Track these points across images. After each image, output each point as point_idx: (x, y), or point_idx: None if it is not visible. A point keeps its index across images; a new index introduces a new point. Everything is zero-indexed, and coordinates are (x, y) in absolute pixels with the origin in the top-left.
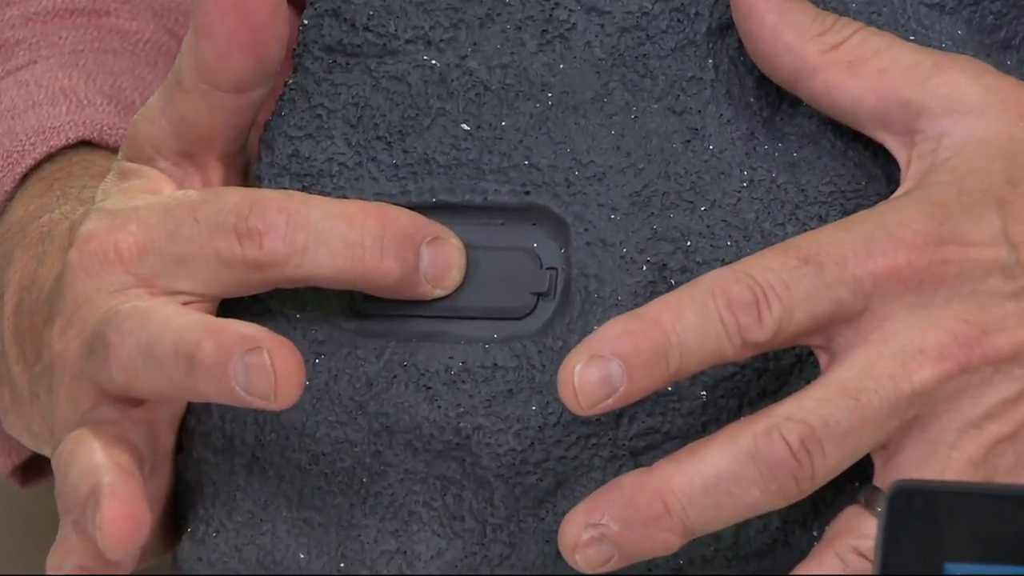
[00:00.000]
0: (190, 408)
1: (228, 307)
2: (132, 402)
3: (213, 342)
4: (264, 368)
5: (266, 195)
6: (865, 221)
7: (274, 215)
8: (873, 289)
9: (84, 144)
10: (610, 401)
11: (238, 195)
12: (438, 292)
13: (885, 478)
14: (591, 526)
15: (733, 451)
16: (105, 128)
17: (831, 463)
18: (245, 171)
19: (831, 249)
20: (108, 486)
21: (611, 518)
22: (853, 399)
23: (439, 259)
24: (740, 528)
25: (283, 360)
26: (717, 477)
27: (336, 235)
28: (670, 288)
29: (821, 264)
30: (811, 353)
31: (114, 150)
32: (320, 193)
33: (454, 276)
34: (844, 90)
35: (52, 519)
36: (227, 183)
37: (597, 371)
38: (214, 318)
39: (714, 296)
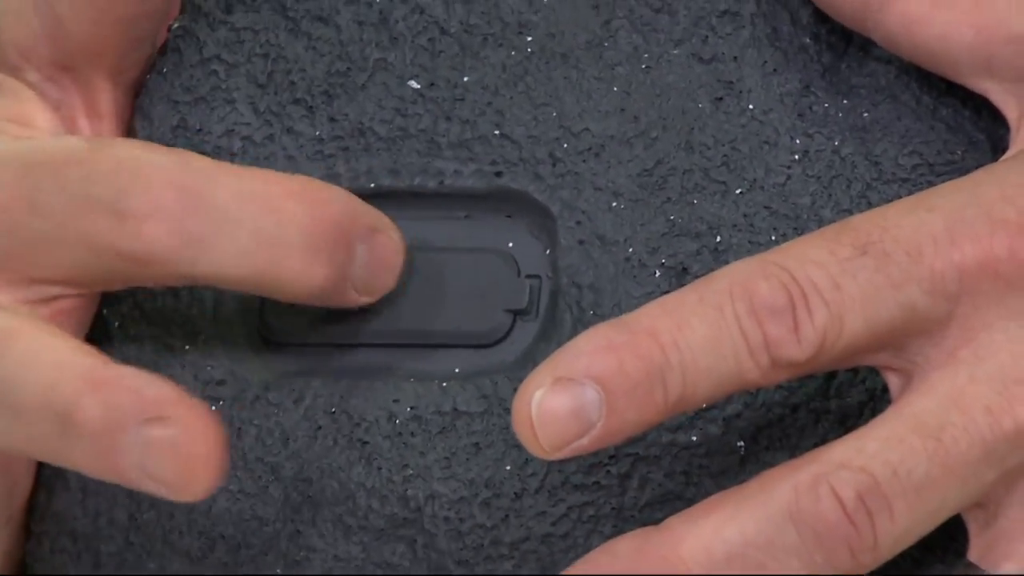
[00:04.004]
0: (37, 479)
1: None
2: None
3: (98, 401)
4: (171, 447)
5: (155, 160)
6: (953, 194)
7: (161, 191)
8: (960, 289)
9: None
10: (584, 441)
11: (120, 154)
12: (364, 300)
13: (983, 549)
14: None
15: (767, 509)
16: None
17: (901, 527)
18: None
19: (900, 233)
20: None
21: None
22: (933, 439)
23: (374, 259)
24: None
25: (199, 437)
26: (744, 544)
27: (248, 225)
28: None
29: (885, 253)
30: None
31: None
32: None
33: (387, 281)
34: (930, 25)
35: None
36: (119, 109)
37: (565, 399)
38: (100, 362)
39: (733, 297)
